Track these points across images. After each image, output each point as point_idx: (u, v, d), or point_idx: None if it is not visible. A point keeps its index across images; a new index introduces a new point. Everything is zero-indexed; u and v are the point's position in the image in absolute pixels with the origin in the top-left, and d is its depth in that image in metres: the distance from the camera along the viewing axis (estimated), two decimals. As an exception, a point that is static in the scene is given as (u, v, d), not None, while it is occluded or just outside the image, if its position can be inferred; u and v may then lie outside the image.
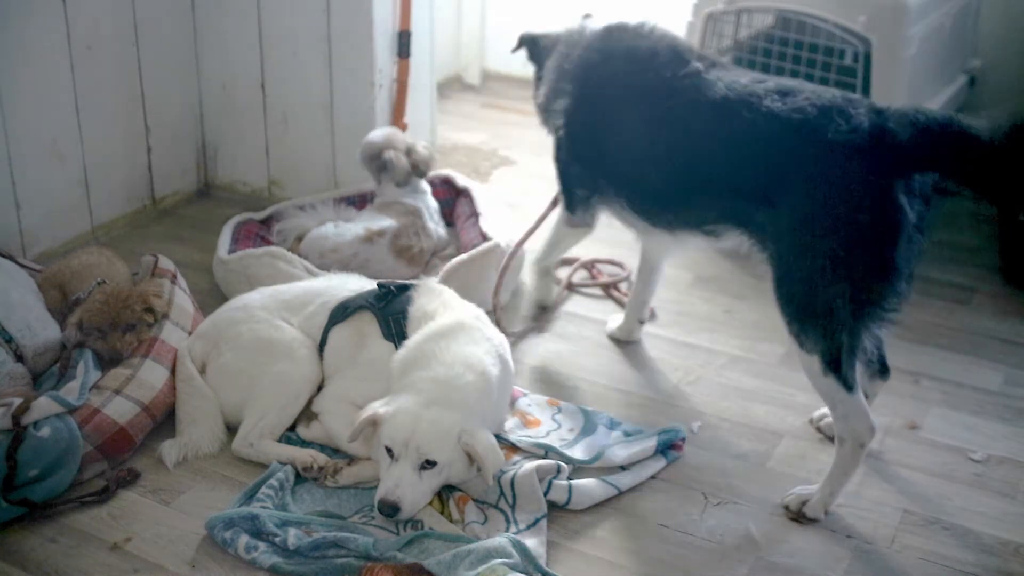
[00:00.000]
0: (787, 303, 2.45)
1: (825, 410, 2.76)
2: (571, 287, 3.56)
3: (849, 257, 2.34)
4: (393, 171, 3.51)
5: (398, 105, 3.91)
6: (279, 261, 3.24)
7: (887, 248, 2.33)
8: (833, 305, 2.37)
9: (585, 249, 3.80)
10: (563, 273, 3.59)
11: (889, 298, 2.38)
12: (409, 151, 3.56)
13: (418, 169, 3.57)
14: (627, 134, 2.74)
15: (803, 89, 2.48)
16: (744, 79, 2.58)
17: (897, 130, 2.34)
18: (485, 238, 3.39)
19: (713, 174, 2.58)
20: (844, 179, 2.34)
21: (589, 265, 3.67)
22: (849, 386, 2.43)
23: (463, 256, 3.25)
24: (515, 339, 3.17)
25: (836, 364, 2.41)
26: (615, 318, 3.29)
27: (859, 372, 2.47)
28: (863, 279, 2.35)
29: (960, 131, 2.32)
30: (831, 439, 2.72)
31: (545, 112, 2.99)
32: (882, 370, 2.71)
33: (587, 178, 2.94)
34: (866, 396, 2.56)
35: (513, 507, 2.44)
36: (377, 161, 3.54)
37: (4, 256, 3.09)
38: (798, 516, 2.51)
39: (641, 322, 3.24)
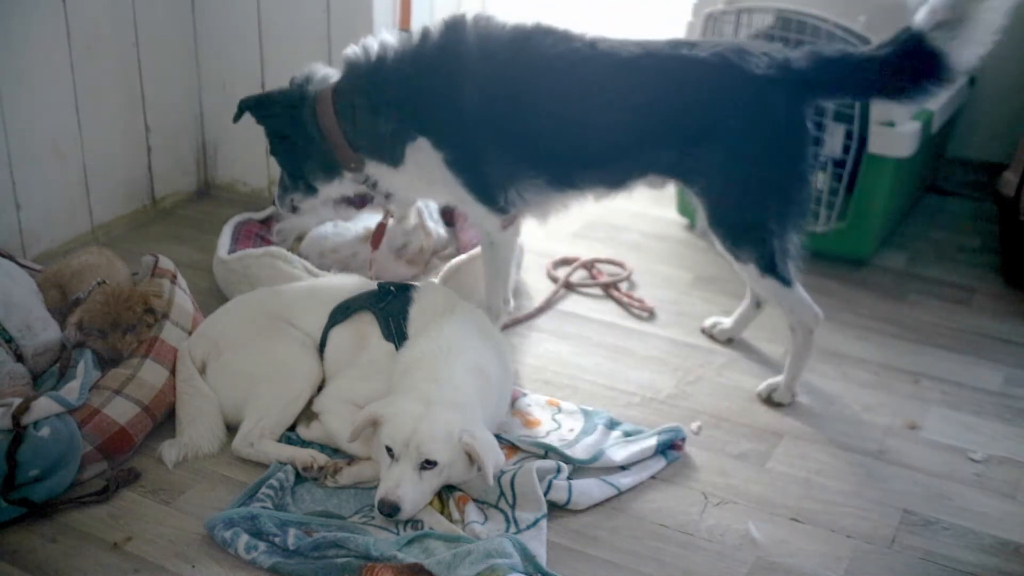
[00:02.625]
0: (721, 225, 2.76)
1: (713, 318, 3.31)
2: (569, 286, 3.56)
3: (775, 176, 2.68)
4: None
5: (398, 105, 3.90)
6: (279, 261, 3.24)
7: (802, 163, 2.70)
8: (763, 218, 2.71)
9: (586, 249, 3.81)
10: (562, 272, 3.60)
11: (805, 204, 2.76)
12: None
13: None
14: (547, 110, 2.71)
15: (701, 40, 2.73)
16: (635, 40, 2.72)
17: (803, 63, 2.64)
18: None
19: (644, 128, 2.70)
20: (769, 108, 2.64)
21: (589, 265, 3.67)
22: (787, 281, 2.80)
23: (462, 257, 3.25)
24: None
25: (771, 266, 2.76)
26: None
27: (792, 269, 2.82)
28: (786, 192, 2.71)
29: (848, 57, 2.66)
30: (725, 342, 3.24)
31: (400, 133, 2.78)
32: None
33: (503, 170, 2.81)
34: (758, 305, 3.05)
35: (513, 507, 2.44)
36: None
37: (4, 256, 3.09)
38: (768, 400, 2.93)
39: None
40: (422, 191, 2.99)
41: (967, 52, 2.54)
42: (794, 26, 3.51)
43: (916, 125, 3.54)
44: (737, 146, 2.66)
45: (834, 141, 3.57)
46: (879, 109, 3.49)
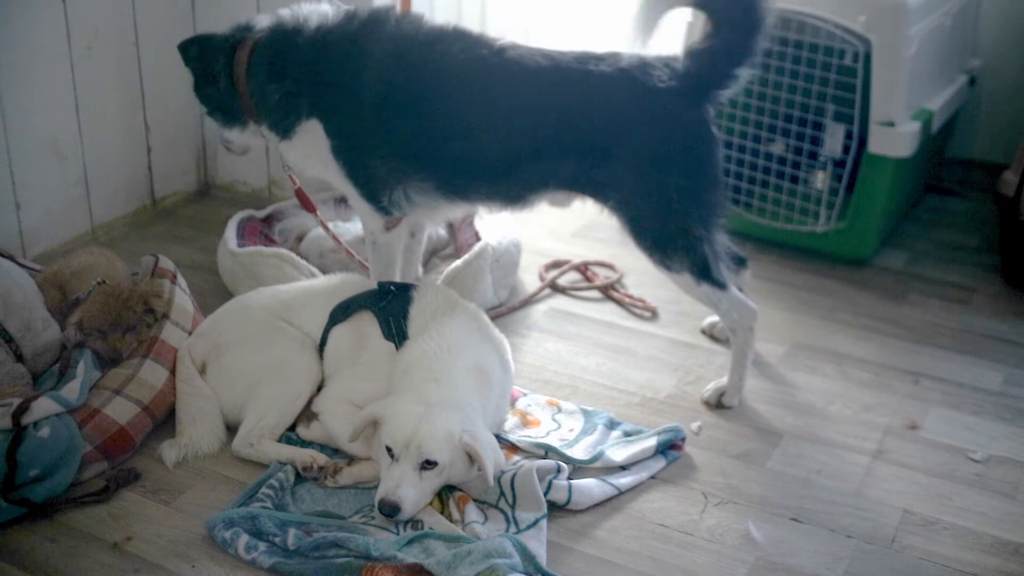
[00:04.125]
0: (644, 238, 2.75)
1: (712, 318, 3.25)
2: (555, 287, 3.56)
3: (690, 182, 2.67)
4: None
5: (397, 105, 3.90)
6: (287, 265, 3.23)
7: (712, 165, 2.71)
8: (687, 226, 2.70)
9: (586, 249, 3.81)
10: (551, 273, 3.60)
11: (723, 205, 2.76)
12: None
13: None
14: (443, 115, 2.71)
15: (606, 54, 2.72)
16: (544, 51, 2.72)
17: (698, 67, 2.65)
18: (478, 238, 3.41)
19: (547, 141, 2.69)
20: (675, 119, 2.65)
21: (583, 268, 3.67)
22: (722, 285, 2.79)
23: (458, 263, 3.24)
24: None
25: (705, 272, 2.75)
26: None
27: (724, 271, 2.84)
28: (704, 196, 2.70)
29: (715, 47, 2.65)
30: (725, 340, 3.18)
31: (293, 109, 2.81)
32: (739, 261, 3.08)
33: (390, 169, 2.80)
34: (740, 289, 2.95)
35: (513, 507, 2.44)
36: None
37: (4, 256, 3.09)
38: (718, 405, 2.91)
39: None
40: (316, 170, 2.96)
41: None
42: (794, 26, 3.51)
43: (916, 125, 3.54)
44: (647, 159, 2.66)
45: (834, 141, 3.57)
46: (879, 109, 3.49)
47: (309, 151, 2.86)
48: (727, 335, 2.97)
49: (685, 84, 2.63)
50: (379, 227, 2.93)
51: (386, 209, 2.87)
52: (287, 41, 2.79)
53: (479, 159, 2.75)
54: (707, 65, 2.63)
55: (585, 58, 2.69)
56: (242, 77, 2.85)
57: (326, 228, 3.22)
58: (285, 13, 2.83)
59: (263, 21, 2.89)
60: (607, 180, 2.70)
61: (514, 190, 2.79)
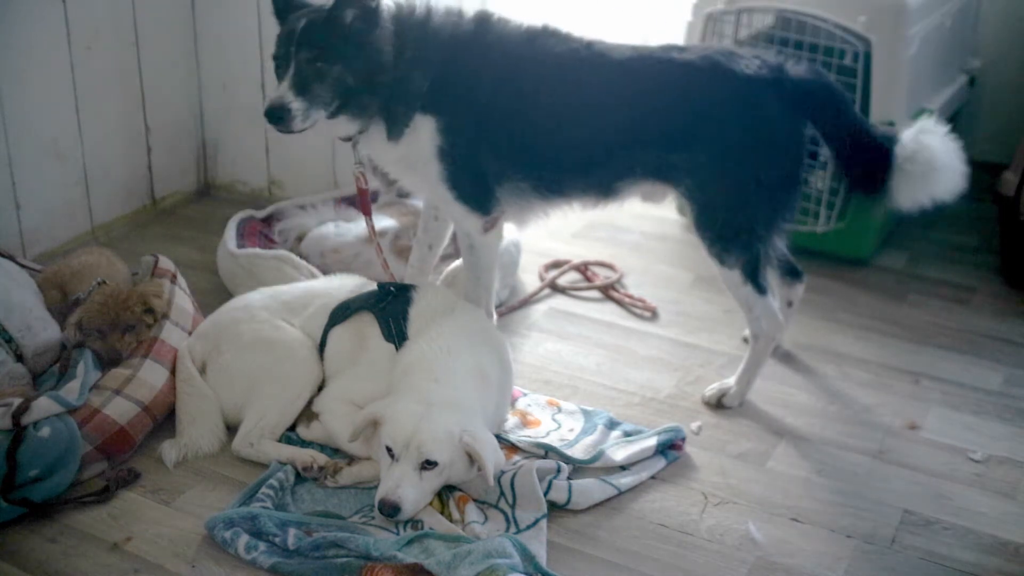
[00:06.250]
0: (710, 228, 2.71)
1: None
2: (555, 287, 3.56)
3: (768, 177, 2.65)
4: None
5: (398, 105, 3.89)
6: (287, 266, 3.23)
7: (796, 165, 2.69)
8: (753, 222, 2.68)
9: (587, 249, 3.81)
10: (551, 273, 3.60)
11: (794, 209, 2.75)
12: None
13: None
14: (542, 111, 2.68)
15: (693, 45, 2.74)
16: (628, 44, 2.72)
17: (805, 73, 2.66)
18: None
19: (635, 129, 2.67)
20: (761, 108, 2.63)
21: (583, 268, 3.67)
22: (763, 290, 2.79)
23: (458, 263, 3.23)
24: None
25: (754, 273, 2.74)
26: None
27: (776, 280, 2.87)
28: (779, 195, 2.69)
29: (844, 100, 2.73)
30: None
31: (415, 99, 2.61)
32: (794, 272, 3.07)
33: (493, 170, 2.72)
34: (790, 304, 3.03)
35: (513, 507, 2.44)
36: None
37: (4, 256, 3.09)
38: (718, 405, 2.89)
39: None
40: (401, 174, 2.83)
41: (904, 195, 2.73)
42: (794, 26, 3.51)
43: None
44: (727, 146, 2.64)
45: (834, 141, 3.56)
46: (879, 109, 3.49)
47: (409, 152, 2.70)
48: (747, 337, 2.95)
49: (780, 78, 2.62)
50: (477, 228, 2.78)
51: (486, 211, 2.75)
52: (418, 27, 2.64)
53: (574, 153, 2.72)
54: (821, 91, 2.65)
55: (669, 48, 2.71)
56: (387, 45, 2.58)
57: (373, 233, 2.94)
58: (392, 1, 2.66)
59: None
60: (685, 165, 2.67)
61: (605, 181, 2.77)
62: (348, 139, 2.75)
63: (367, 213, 2.92)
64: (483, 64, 2.66)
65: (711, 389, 2.94)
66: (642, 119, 2.67)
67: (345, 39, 2.53)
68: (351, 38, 2.53)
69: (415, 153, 2.69)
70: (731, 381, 2.93)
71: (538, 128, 2.70)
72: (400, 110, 2.63)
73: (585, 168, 2.75)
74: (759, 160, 2.65)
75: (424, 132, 2.65)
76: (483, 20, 2.71)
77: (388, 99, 2.62)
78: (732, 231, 2.70)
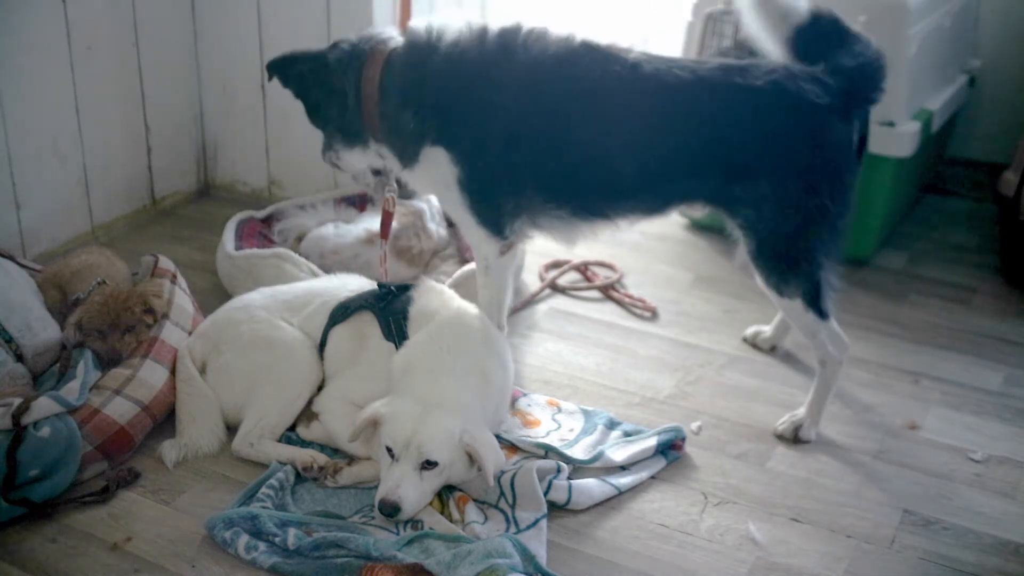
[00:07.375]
0: (767, 260, 2.62)
1: (757, 327, 3.24)
2: (555, 287, 3.56)
3: (827, 205, 2.55)
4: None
5: (398, 105, 3.89)
6: (286, 263, 3.23)
7: (851, 190, 2.59)
8: (813, 252, 2.59)
9: (587, 249, 3.81)
10: (554, 275, 3.60)
11: (848, 231, 2.64)
12: None
13: None
14: (580, 140, 2.57)
15: (747, 64, 2.59)
16: (681, 63, 2.59)
17: (852, 82, 2.54)
18: None
19: (691, 157, 2.56)
20: (828, 137, 2.53)
21: (583, 268, 3.67)
22: (826, 315, 2.69)
23: (467, 267, 3.22)
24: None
25: (816, 301, 2.66)
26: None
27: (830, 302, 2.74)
28: (839, 222, 2.59)
29: (865, 60, 2.57)
30: (768, 350, 3.20)
31: (420, 135, 2.62)
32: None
33: (519, 201, 2.67)
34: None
35: (513, 507, 2.44)
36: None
37: (4, 256, 3.09)
38: (794, 439, 2.76)
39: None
40: (430, 192, 2.85)
41: None
42: (794, 26, 3.50)
43: (916, 125, 3.54)
44: (793, 178, 2.53)
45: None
46: (879, 109, 3.48)
47: (429, 178, 2.71)
48: (815, 367, 2.82)
49: (839, 100, 2.51)
50: (495, 252, 2.75)
51: (504, 236, 2.72)
52: (420, 61, 2.59)
53: (620, 181, 2.61)
54: (860, 78, 2.53)
55: (728, 69, 2.55)
56: (372, 96, 2.63)
57: (384, 260, 3.03)
58: (417, 28, 2.63)
59: (386, 32, 2.69)
60: (743, 196, 2.57)
61: (655, 207, 2.69)
62: (377, 172, 2.91)
63: (385, 237, 3.02)
64: (498, 94, 2.56)
65: (783, 424, 2.81)
66: (702, 149, 2.55)
67: (302, 92, 2.76)
68: (300, 91, 2.76)
69: (436, 179, 2.70)
70: (802, 412, 2.80)
71: (575, 159, 2.59)
72: (399, 144, 2.68)
73: (633, 195, 2.66)
74: (824, 190, 2.54)
75: (440, 161, 2.64)
76: (508, 41, 2.58)
77: (388, 133, 2.67)
78: (791, 262, 2.60)
